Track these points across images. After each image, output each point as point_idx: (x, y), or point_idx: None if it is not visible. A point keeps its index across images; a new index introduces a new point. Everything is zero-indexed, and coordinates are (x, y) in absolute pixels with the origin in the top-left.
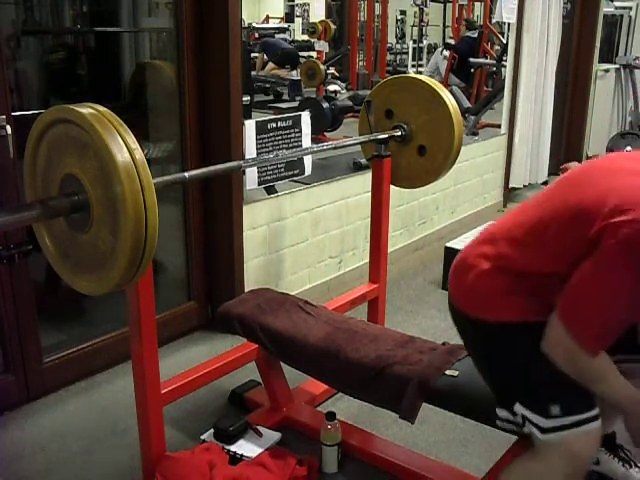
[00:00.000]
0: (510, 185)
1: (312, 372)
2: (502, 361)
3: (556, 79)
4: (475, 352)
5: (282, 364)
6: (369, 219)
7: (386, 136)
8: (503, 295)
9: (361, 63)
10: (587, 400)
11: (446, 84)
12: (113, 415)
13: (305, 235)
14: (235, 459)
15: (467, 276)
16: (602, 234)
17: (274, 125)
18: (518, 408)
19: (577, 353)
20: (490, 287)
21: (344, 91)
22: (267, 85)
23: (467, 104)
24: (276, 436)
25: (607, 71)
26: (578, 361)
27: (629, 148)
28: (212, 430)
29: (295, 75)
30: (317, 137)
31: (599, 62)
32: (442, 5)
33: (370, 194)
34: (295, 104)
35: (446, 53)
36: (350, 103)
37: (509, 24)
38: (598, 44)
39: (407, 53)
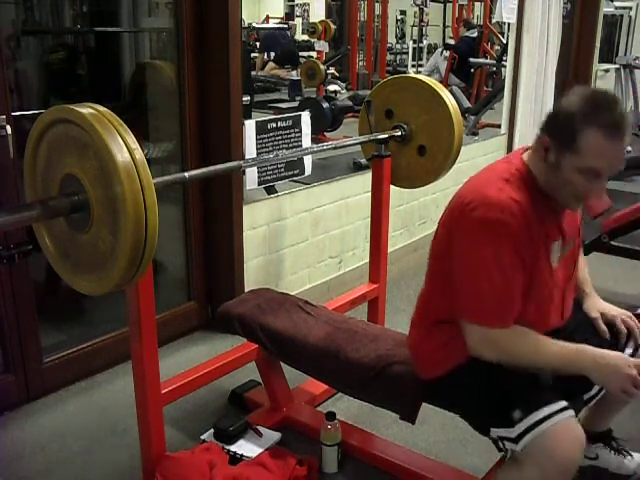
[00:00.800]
0: None
1: (312, 372)
2: (463, 398)
3: (556, 79)
4: (445, 403)
5: (282, 364)
6: (369, 219)
7: (386, 136)
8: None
9: (361, 63)
10: (545, 395)
11: (446, 84)
12: (113, 415)
13: (305, 235)
14: (235, 459)
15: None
16: (453, 234)
17: (274, 125)
18: (493, 432)
19: (491, 334)
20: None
21: (344, 91)
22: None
23: (467, 104)
24: (276, 436)
25: (607, 71)
26: (498, 341)
27: (629, 148)
28: (212, 430)
29: (295, 75)
30: (317, 137)
31: (599, 62)
32: (442, 5)
33: (370, 194)
34: (295, 104)
35: (446, 54)
36: (350, 103)
37: (509, 24)
38: (598, 44)
39: (407, 53)
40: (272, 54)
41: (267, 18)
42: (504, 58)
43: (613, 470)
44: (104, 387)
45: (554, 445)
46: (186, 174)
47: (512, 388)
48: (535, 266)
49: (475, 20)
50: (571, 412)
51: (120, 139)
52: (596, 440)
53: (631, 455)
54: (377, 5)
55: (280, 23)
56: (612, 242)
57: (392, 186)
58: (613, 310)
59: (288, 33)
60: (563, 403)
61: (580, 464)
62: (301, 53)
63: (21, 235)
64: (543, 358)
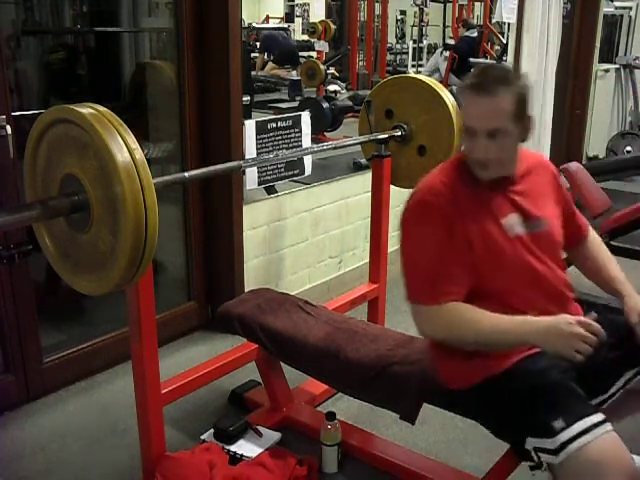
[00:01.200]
0: None
1: (312, 372)
2: (496, 409)
3: (556, 79)
4: (470, 413)
5: (282, 364)
6: (369, 219)
7: (386, 136)
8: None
9: (361, 63)
10: (587, 407)
11: (446, 84)
12: (113, 415)
13: (305, 235)
14: (235, 459)
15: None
16: None
17: (274, 125)
18: (529, 443)
19: (427, 312)
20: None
21: (344, 91)
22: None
23: None
24: (276, 436)
25: (607, 71)
26: (434, 317)
27: (629, 148)
28: (212, 430)
29: (295, 75)
30: (317, 137)
31: (599, 62)
32: (442, 5)
33: (370, 194)
34: (295, 104)
35: (446, 54)
36: (350, 103)
37: (509, 24)
38: (598, 44)
39: (407, 53)
40: (272, 55)
41: (267, 18)
42: (504, 58)
43: None
44: (104, 387)
45: (599, 459)
46: (186, 174)
47: (554, 398)
48: (483, 238)
49: (475, 20)
50: (610, 426)
51: (120, 139)
52: None
53: (632, 458)
54: (377, 5)
55: (279, 24)
56: (612, 242)
57: (392, 186)
58: None
59: (287, 33)
60: (603, 416)
61: (631, 474)
62: (301, 53)
63: (21, 235)
64: (483, 332)
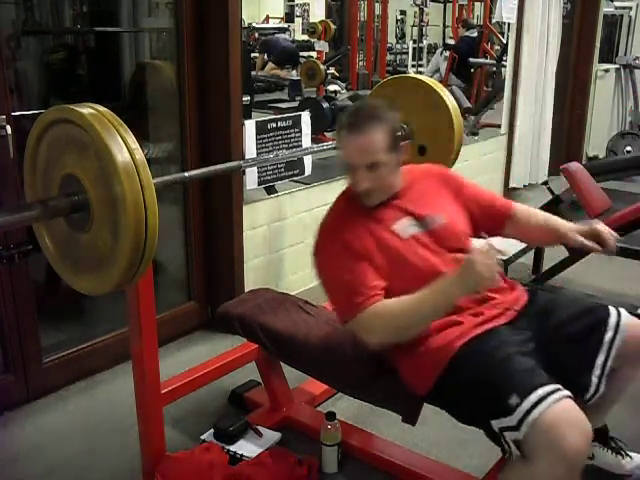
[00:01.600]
0: (510, 185)
1: (312, 372)
2: (461, 400)
3: (556, 79)
4: (451, 411)
5: (282, 364)
6: None
7: None
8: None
9: (361, 63)
10: (539, 378)
11: (446, 84)
12: (113, 415)
13: (305, 235)
14: (235, 459)
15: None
16: None
17: (274, 125)
18: (494, 425)
19: (358, 323)
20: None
21: (344, 91)
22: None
23: (467, 104)
24: (276, 436)
25: (607, 71)
26: (365, 324)
27: (629, 148)
28: (212, 430)
29: (295, 75)
30: (317, 137)
31: (599, 62)
32: (442, 5)
33: None
34: (295, 104)
35: (446, 54)
36: (350, 103)
37: (509, 24)
38: (598, 44)
39: (407, 53)
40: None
41: (267, 18)
42: (504, 58)
43: (610, 470)
44: (104, 387)
45: (556, 423)
46: (186, 174)
47: (504, 376)
48: (379, 245)
49: (475, 20)
50: (567, 392)
51: (120, 139)
52: (592, 439)
53: (630, 456)
54: (377, 5)
55: (279, 24)
56: None
57: None
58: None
59: (287, 35)
60: (558, 385)
61: (588, 446)
62: (301, 53)
63: (21, 235)
64: (412, 311)
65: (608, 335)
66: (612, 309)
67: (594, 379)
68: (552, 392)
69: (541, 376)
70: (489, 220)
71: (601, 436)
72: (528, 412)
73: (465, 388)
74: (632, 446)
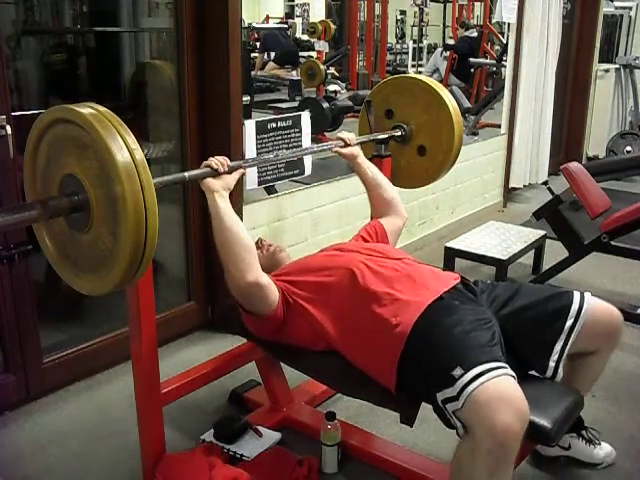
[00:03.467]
0: (510, 185)
1: (312, 372)
2: (415, 376)
3: (556, 79)
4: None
5: (282, 364)
6: (369, 219)
7: (386, 136)
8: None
9: (361, 63)
10: (488, 354)
11: (446, 84)
12: (113, 415)
13: (305, 235)
14: (235, 459)
15: None
16: None
17: (274, 125)
18: (438, 397)
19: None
20: None
21: (344, 91)
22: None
23: (467, 104)
24: (276, 436)
25: (607, 71)
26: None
27: (629, 148)
28: (212, 430)
29: (295, 75)
30: (317, 137)
31: (599, 62)
32: (442, 5)
33: None
34: (295, 104)
35: (446, 54)
36: (350, 103)
37: (509, 24)
38: (598, 44)
39: (407, 53)
40: (272, 54)
41: (267, 18)
42: (504, 58)
43: (583, 459)
44: (104, 387)
45: (490, 398)
46: (186, 174)
47: (454, 351)
48: None
49: (475, 20)
50: (510, 371)
51: (120, 139)
52: (569, 430)
53: (600, 444)
54: (377, 5)
55: (280, 22)
56: (612, 242)
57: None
58: None
59: (288, 32)
60: (504, 364)
61: (521, 426)
62: (301, 53)
63: (21, 235)
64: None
65: (568, 323)
66: (576, 295)
67: (551, 363)
68: (494, 368)
69: (490, 352)
70: None
71: (578, 428)
72: (468, 384)
73: (417, 361)
74: (630, 445)
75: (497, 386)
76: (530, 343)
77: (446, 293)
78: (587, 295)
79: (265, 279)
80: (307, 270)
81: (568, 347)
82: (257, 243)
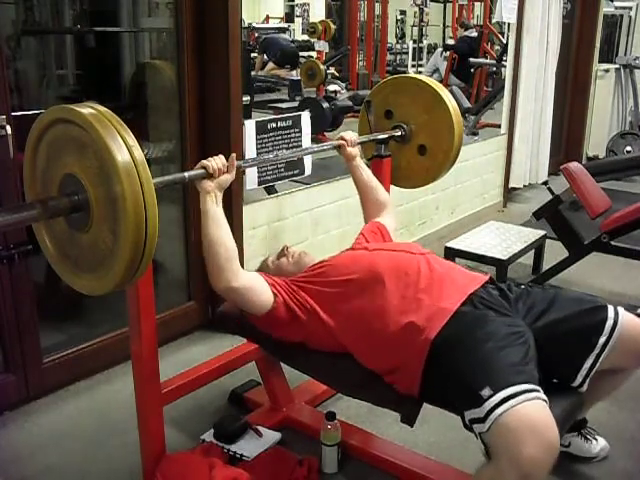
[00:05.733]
0: (510, 185)
1: (312, 372)
2: (444, 390)
3: (556, 79)
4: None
5: (282, 364)
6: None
7: (386, 136)
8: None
9: (361, 63)
10: (519, 376)
11: (446, 84)
12: (113, 415)
13: (305, 235)
14: (235, 459)
15: None
16: None
17: (274, 125)
18: (466, 416)
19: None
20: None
21: (344, 91)
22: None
23: (467, 104)
24: (276, 436)
25: (607, 71)
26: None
27: (629, 148)
28: (212, 430)
29: (295, 75)
30: (317, 137)
31: (599, 62)
32: (442, 5)
33: None
34: (295, 104)
35: (446, 54)
36: (350, 103)
37: (509, 24)
38: (598, 44)
39: (407, 53)
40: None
41: (267, 18)
42: (504, 58)
43: (580, 455)
44: (104, 387)
45: (519, 426)
46: (186, 174)
47: (485, 368)
48: None
49: (475, 20)
50: (542, 396)
51: (120, 139)
52: (572, 429)
53: (596, 439)
54: (377, 5)
55: (279, 24)
56: (612, 242)
57: (392, 186)
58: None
59: (287, 35)
60: (535, 386)
61: (548, 461)
62: (301, 53)
63: (21, 235)
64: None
65: (602, 340)
66: (610, 311)
67: (579, 378)
68: (526, 391)
69: (522, 372)
70: None
71: (580, 427)
72: (496, 406)
73: (449, 378)
74: (609, 439)
75: (527, 412)
76: (560, 356)
77: (475, 294)
78: (621, 311)
79: (243, 283)
80: (333, 271)
81: (599, 364)
82: (282, 251)
